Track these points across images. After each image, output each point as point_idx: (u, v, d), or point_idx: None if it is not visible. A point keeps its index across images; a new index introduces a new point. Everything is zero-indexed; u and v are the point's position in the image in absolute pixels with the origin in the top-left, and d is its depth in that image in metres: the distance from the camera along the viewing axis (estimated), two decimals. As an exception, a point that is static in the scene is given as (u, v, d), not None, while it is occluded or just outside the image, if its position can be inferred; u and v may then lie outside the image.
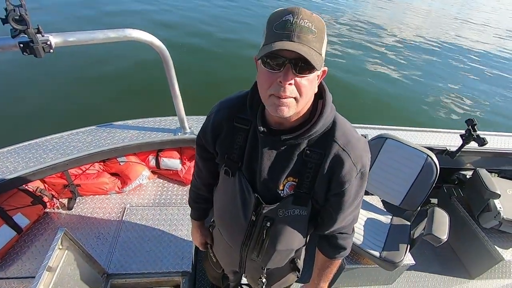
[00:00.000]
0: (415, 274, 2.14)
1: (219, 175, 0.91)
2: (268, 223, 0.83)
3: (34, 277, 1.00)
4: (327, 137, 0.76)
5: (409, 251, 1.73)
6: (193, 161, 2.03)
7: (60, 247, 1.11)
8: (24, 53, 1.06)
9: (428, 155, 1.78)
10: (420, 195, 1.82)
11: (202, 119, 2.09)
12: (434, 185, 1.77)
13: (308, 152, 0.76)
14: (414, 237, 1.80)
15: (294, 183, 0.79)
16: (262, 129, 0.75)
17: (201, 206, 1.15)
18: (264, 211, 0.82)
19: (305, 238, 0.95)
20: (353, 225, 0.92)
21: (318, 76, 0.69)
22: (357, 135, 0.79)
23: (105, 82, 4.55)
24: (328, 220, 0.86)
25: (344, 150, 0.75)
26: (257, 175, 0.80)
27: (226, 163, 0.85)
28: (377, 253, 1.68)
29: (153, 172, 2.00)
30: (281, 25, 0.61)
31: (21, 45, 1.04)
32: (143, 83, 4.61)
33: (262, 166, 0.78)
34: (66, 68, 4.67)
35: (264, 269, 1.01)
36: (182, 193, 1.96)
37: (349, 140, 0.76)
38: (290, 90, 0.63)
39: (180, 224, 1.74)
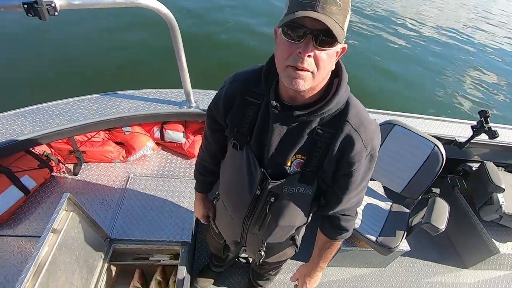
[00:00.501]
0: (409, 260, 2.18)
1: (227, 148, 0.92)
2: (272, 198, 0.84)
3: (40, 237, 1.04)
4: (340, 117, 0.75)
5: (405, 238, 1.75)
6: (197, 135, 2.04)
7: (65, 210, 1.14)
8: (29, 14, 1.03)
9: (435, 144, 1.75)
10: (423, 184, 1.81)
11: (208, 93, 2.06)
12: (438, 175, 1.75)
13: (319, 131, 0.76)
14: (412, 224, 1.82)
15: (302, 160, 0.79)
16: (274, 103, 0.75)
17: (206, 179, 1.16)
18: (269, 186, 0.82)
19: (307, 217, 0.96)
20: (357, 208, 0.93)
21: (337, 52, 0.68)
22: (370, 118, 0.79)
23: (111, 49, 4.49)
24: (333, 201, 0.87)
25: (355, 130, 0.74)
26: (266, 150, 0.80)
27: (235, 136, 0.85)
28: (373, 238, 1.71)
29: (157, 143, 2.02)
30: None
31: (25, 6, 1.01)
32: (150, 53, 4.53)
33: (272, 141, 0.78)
34: (72, 33, 4.60)
35: (264, 243, 1.03)
36: (185, 166, 1.98)
37: (361, 121, 0.75)
38: (308, 62, 0.62)
39: (182, 196, 1.77)
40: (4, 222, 1.50)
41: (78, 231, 1.23)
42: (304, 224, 1.04)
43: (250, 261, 1.90)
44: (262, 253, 1.07)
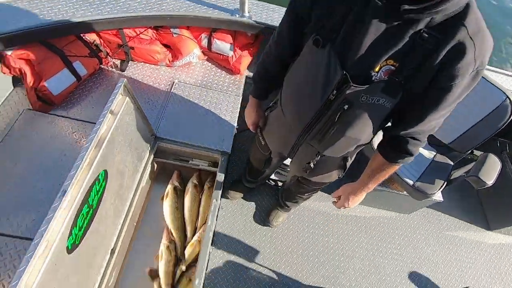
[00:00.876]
0: (433, 212, 2.19)
1: (305, 46, 0.82)
2: (346, 106, 0.77)
3: (93, 123, 1.07)
4: (455, 21, 0.63)
5: (442, 188, 1.71)
6: (245, 51, 1.93)
7: (121, 94, 1.15)
8: None
9: (507, 96, 1.57)
10: (478, 138, 1.69)
11: (263, 5, 1.88)
12: (496, 132, 1.61)
13: (424, 34, 0.64)
14: (453, 177, 1.76)
15: (393, 67, 0.70)
16: None
17: (264, 85, 1.10)
18: (347, 91, 0.75)
19: (374, 134, 0.91)
20: (430, 133, 0.86)
21: None
22: (487, 30, 0.66)
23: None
24: (412, 118, 0.79)
25: (471, 38, 0.63)
26: (353, 50, 0.71)
27: (318, 31, 0.75)
28: (411, 182, 1.68)
29: (203, 53, 1.93)
30: None
31: None
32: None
33: (364, 40, 0.68)
34: None
35: (318, 155, 1.01)
36: (229, 81, 1.92)
37: (480, 28, 0.63)
38: None
39: (224, 109, 1.76)
40: (59, 104, 1.57)
41: (131, 119, 1.26)
42: (368, 143, 0.99)
43: (280, 184, 1.96)
44: (312, 165, 1.06)
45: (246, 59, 1.90)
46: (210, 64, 1.97)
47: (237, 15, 1.76)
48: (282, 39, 0.93)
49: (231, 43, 1.87)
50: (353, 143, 0.95)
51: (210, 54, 1.94)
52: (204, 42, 1.86)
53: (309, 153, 1.04)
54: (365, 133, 0.88)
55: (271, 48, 1.00)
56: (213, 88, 1.86)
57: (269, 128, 1.19)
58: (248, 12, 1.78)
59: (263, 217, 1.87)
